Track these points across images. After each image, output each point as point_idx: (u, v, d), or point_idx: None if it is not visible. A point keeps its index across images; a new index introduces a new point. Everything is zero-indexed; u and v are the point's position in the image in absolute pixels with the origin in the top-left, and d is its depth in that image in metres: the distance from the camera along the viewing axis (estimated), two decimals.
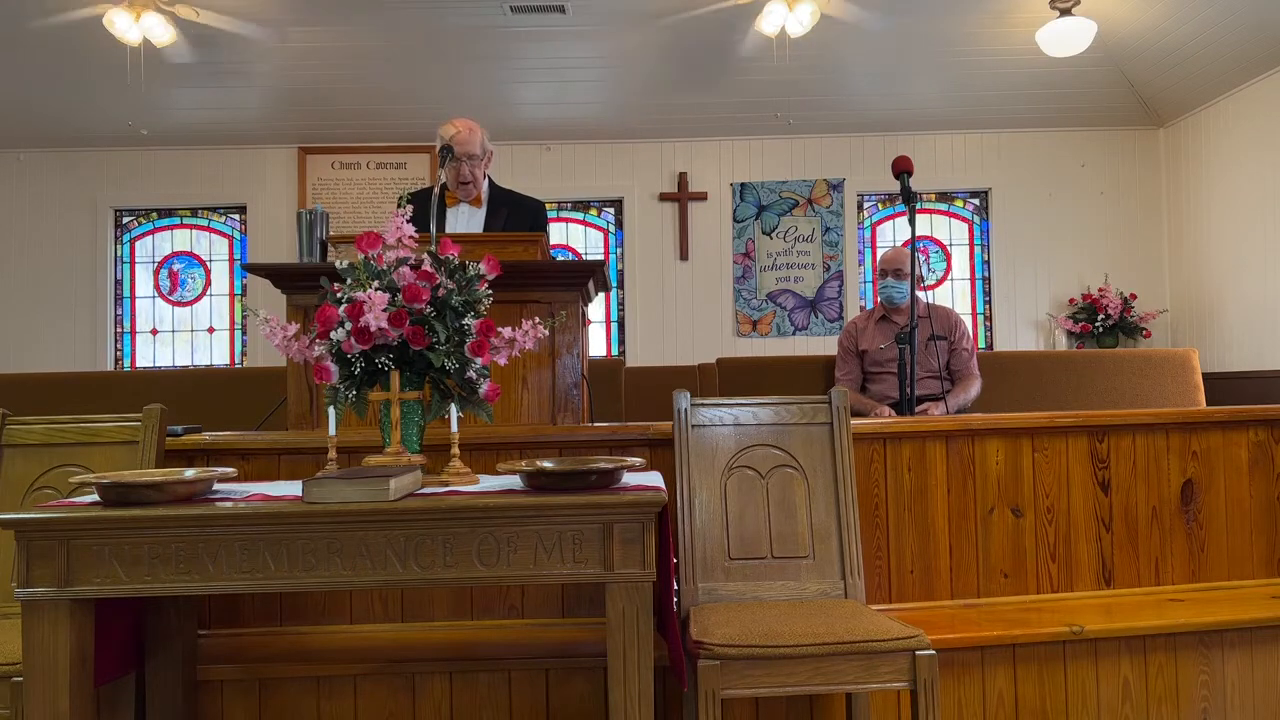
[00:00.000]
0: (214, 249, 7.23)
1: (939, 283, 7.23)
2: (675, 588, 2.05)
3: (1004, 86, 6.55)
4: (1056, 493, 2.63)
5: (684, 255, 7.10)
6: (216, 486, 1.93)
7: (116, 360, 7.08)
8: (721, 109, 6.77)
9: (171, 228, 7.22)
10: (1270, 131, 5.89)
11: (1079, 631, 2.34)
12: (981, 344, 7.19)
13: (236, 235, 7.21)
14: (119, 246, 7.15)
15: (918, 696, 1.90)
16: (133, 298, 7.18)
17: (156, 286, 7.19)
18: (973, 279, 7.27)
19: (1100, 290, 6.86)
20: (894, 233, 7.30)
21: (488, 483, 1.98)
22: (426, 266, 1.99)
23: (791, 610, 2.10)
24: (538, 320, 2.08)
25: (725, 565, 2.29)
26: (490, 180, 3.51)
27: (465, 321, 1.98)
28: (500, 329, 2.04)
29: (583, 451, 2.48)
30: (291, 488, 1.92)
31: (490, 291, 2.05)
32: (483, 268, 2.05)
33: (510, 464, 1.93)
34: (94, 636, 1.76)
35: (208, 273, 7.21)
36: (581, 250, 7.21)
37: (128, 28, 5.45)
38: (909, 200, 3.17)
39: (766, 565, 2.30)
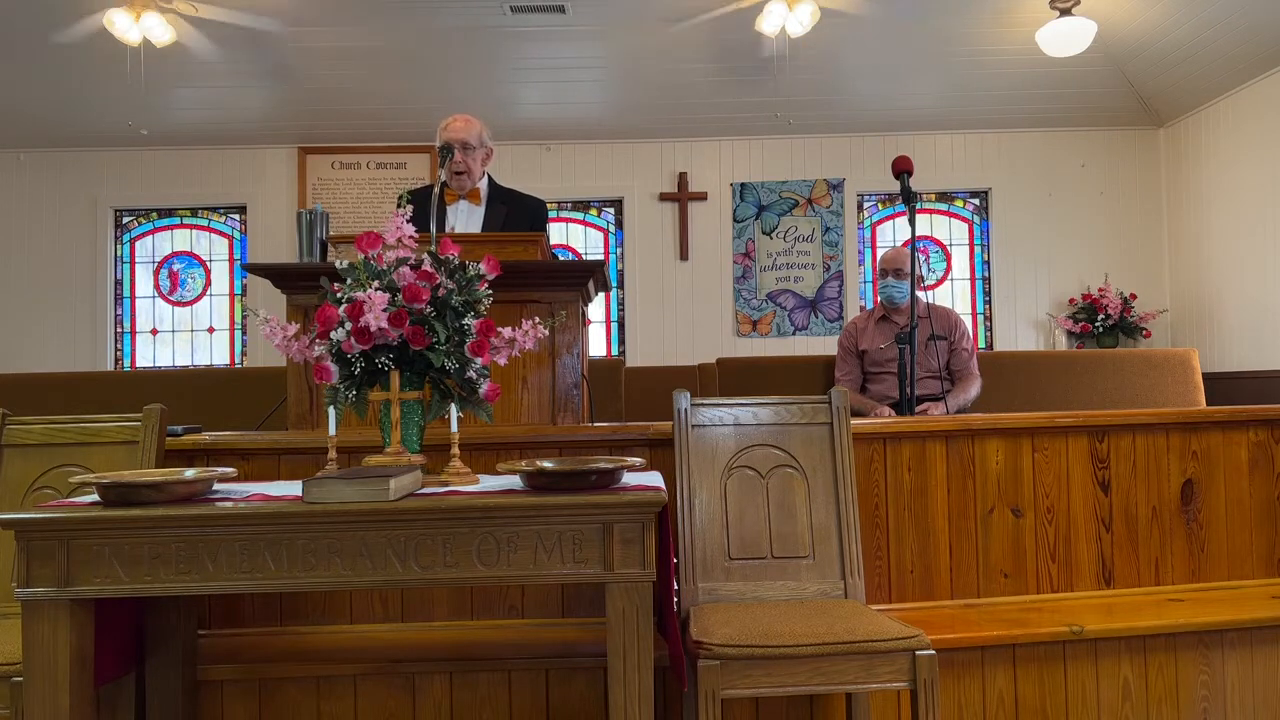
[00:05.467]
0: (214, 249, 7.23)
1: (939, 283, 7.23)
2: (675, 588, 2.05)
3: (1004, 86, 6.55)
4: (1056, 493, 2.63)
5: (684, 255, 7.10)
6: (216, 486, 1.93)
7: (116, 360, 7.08)
8: (721, 109, 6.77)
9: (171, 228, 7.22)
10: (1270, 131, 5.89)
11: (1079, 631, 2.34)
12: (981, 344, 7.19)
13: (236, 235, 7.21)
14: (119, 246, 7.15)
15: (918, 696, 1.90)
16: (133, 298, 7.18)
17: (156, 286, 7.19)
18: (973, 279, 7.27)
19: (1100, 290, 6.86)
20: (894, 233, 7.30)
21: (488, 483, 1.98)
22: (426, 266, 1.99)
23: (791, 610, 2.10)
24: (538, 320, 2.08)
25: (725, 565, 2.29)
26: (490, 178, 3.50)
27: (465, 321, 1.98)
28: (500, 329, 2.04)
29: (583, 451, 2.47)
30: (291, 488, 1.92)
31: (490, 291, 2.05)
32: (483, 268, 2.05)
33: (510, 464, 1.93)
34: (94, 636, 1.76)
35: (208, 273, 7.21)
36: (581, 250, 7.21)
37: (128, 28, 5.45)
38: (909, 200, 3.16)
39: (766, 565, 2.30)
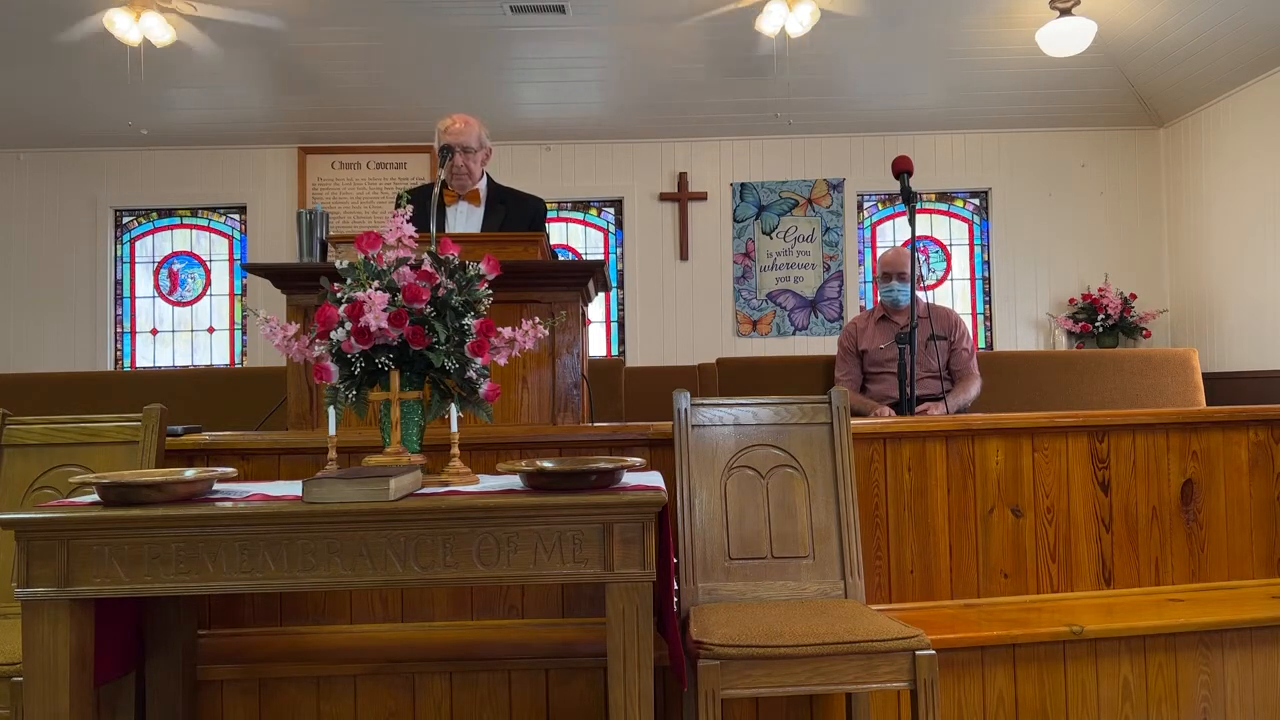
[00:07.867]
0: (214, 249, 7.23)
1: (939, 283, 7.23)
2: (675, 588, 2.05)
3: (1004, 86, 6.55)
4: (1056, 493, 2.63)
5: (684, 255, 7.10)
6: (216, 486, 1.93)
7: (116, 360, 7.08)
8: (721, 109, 6.77)
9: (171, 228, 7.22)
10: (1270, 131, 5.89)
11: (1079, 631, 2.34)
12: (981, 344, 7.19)
13: (236, 235, 7.21)
14: (119, 246, 7.15)
15: (918, 696, 1.90)
16: (133, 298, 7.18)
17: (156, 286, 7.19)
18: (973, 279, 7.27)
19: (1100, 290, 6.85)
20: (894, 233, 7.30)
21: (488, 483, 1.98)
22: (426, 266, 1.99)
23: (791, 610, 2.10)
24: (538, 320, 2.08)
25: (725, 565, 2.29)
26: (489, 177, 3.50)
27: (465, 321, 1.98)
28: (500, 329, 2.04)
29: (583, 451, 2.47)
30: (291, 488, 1.92)
31: (490, 291, 2.05)
32: (483, 268, 2.05)
33: (510, 464, 1.93)
34: (94, 636, 1.76)
35: (208, 273, 7.21)
36: (581, 250, 7.21)
37: (128, 28, 5.45)
38: (909, 200, 3.16)
39: (766, 565, 2.30)
